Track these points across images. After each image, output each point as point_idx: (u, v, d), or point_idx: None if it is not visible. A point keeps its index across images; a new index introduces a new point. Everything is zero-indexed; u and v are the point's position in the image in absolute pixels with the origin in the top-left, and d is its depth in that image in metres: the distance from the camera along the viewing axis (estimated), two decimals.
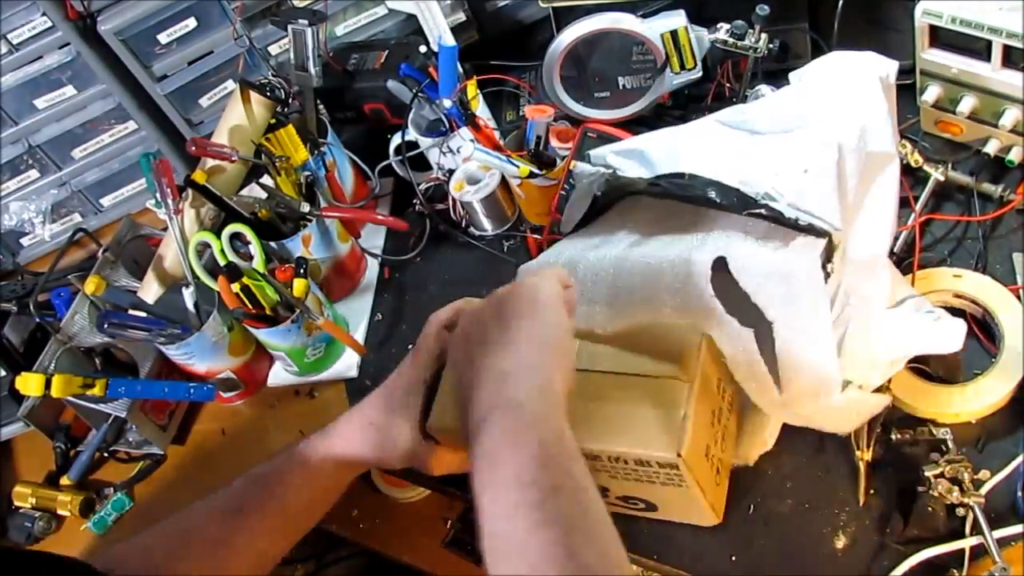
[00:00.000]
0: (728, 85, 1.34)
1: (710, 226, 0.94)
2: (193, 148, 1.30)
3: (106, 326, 1.22)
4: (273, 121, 1.38)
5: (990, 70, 1.05)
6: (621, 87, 1.35)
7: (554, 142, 1.33)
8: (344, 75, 1.50)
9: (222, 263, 1.25)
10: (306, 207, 1.30)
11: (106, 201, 1.74)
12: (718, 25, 1.26)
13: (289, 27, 1.39)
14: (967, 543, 0.89)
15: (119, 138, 1.65)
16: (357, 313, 1.39)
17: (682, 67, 1.29)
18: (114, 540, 1.27)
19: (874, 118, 0.94)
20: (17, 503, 1.33)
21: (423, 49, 1.46)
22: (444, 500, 1.17)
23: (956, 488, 0.91)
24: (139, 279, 1.39)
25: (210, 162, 1.34)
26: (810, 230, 0.87)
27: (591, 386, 0.92)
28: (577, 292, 0.93)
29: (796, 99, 1.02)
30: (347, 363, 1.33)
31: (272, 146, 1.33)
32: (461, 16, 1.55)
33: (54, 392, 1.16)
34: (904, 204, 1.09)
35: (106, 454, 1.37)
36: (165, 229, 1.36)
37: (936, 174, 1.12)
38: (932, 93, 1.13)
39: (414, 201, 1.41)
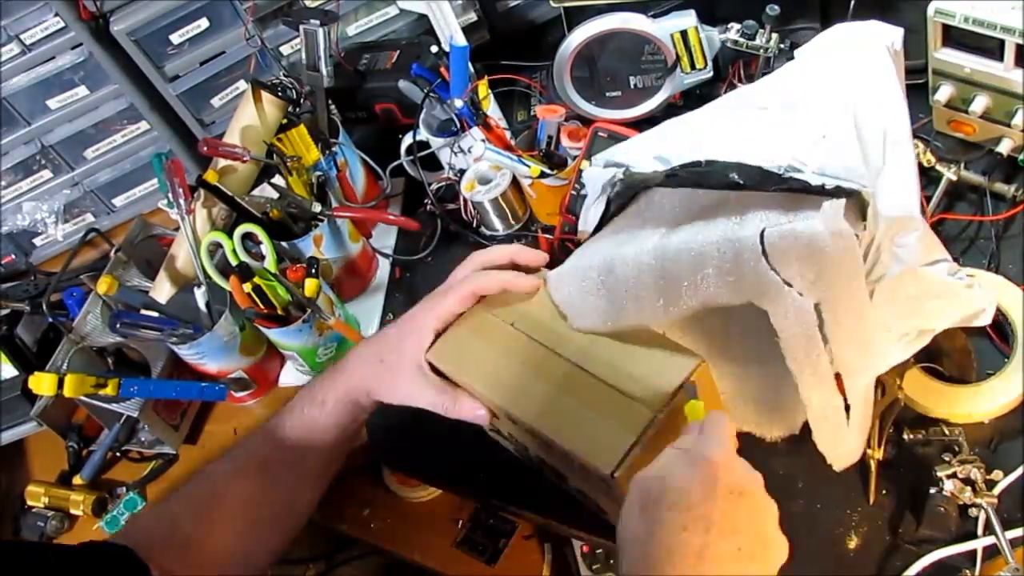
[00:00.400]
0: (739, 85, 1.34)
1: (739, 207, 0.93)
2: (205, 148, 1.30)
3: (118, 326, 1.22)
4: (285, 121, 1.38)
5: (1003, 69, 1.05)
6: (632, 87, 1.35)
7: (565, 142, 1.33)
8: (355, 75, 1.50)
9: (234, 263, 1.26)
10: (317, 207, 1.30)
11: (118, 201, 1.74)
12: (729, 25, 1.26)
13: (301, 27, 1.39)
14: (979, 544, 0.89)
15: (131, 138, 1.65)
16: (368, 313, 1.40)
17: (693, 67, 1.29)
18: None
19: (884, 84, 0.93)
20: (30, 502, 1.34)
21: (434, 49, 1.46)
22: (455, 500, 1.17)
23: (968, 488, 0.90)
24: (151, 279, 1.39)
25: (222, 162, 1.34)
26: (839, 193, 0.85)
27: (568, 378, 0.92)
28: (622, 290, 0.94)
29: (803, 72, 1.01)
30: None
31: (284, 146, 1.33)
32: (472, 16, 1.56)
33: (67, 392, 1.17)
34: None
35: (118, 454, 1.37)
36: (177, 229, 1.36)
37: (948, 174, 1.12)
38: (944, 93, 1.12)
39: (425, 201, 1.41)
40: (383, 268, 1.46)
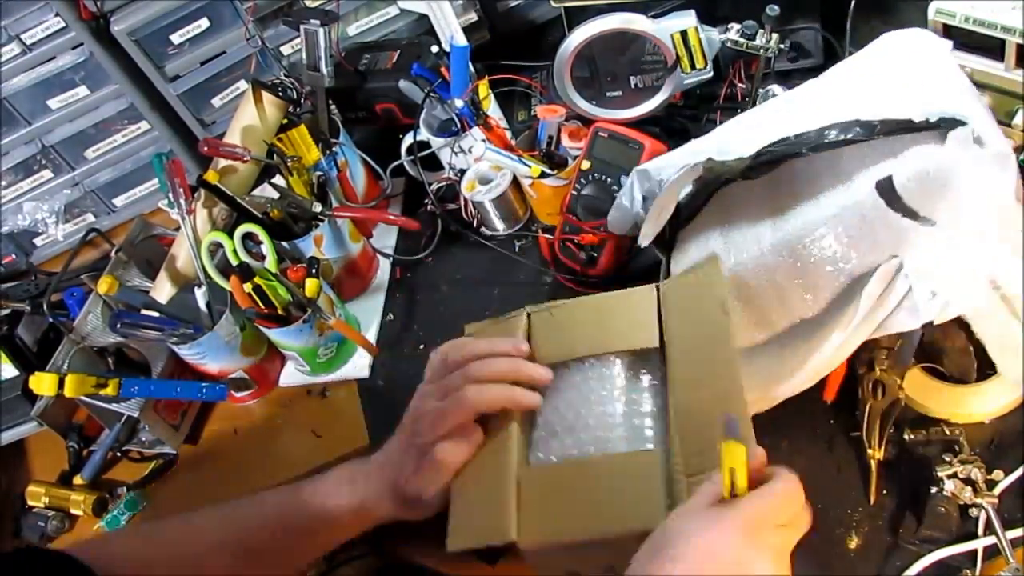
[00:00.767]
0: (740, 85, 1.34)
1: (836, 175, 0.92)
2: (205, 148, 1.30)
3: (119, 326, 1.22)
4: (285, 121, 1.38)
5: (1003, 69, 1.05)
6: (632, 87, 1.35)
7: (566, 142, 1.33)
8: (356, 75, 1.50)
9: (234, 263, 1.26)
10: (318, 207, 1.30)
11: (119, 201, 1.75)
12: (729, 25, 1.26)
13: (301, 27, 1.39)
14: (980, 544, 0.89)
15: (132, 138, 1.65)
16: (369, 313, 1.40)
17: (693, 67, 1.29)
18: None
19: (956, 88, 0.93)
20: (31, 502, 1.34)
21: (435, 49, 1.46)
22: None
23: (969, 488, 0.90)
24: (152, 279, 1.40)
25: (222, 162, 1.35)
26: (946, 124, 0.84)
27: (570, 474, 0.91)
28: (764, 297, 0.95)
29: (866, 71, 1.00)
30: (359, 363, 1.34)
31: (284, 146, 1.34)
32: (473, 16, 1.56)
33: (67, 392, 1.17)
34: None
35: (119, 454, 1.37)
36: (177, 229, 1.36)
37: None
38: None
39: (425, 201, 1.41)
40: (384, 268, 1.46)
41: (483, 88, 1.38)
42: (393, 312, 1.39)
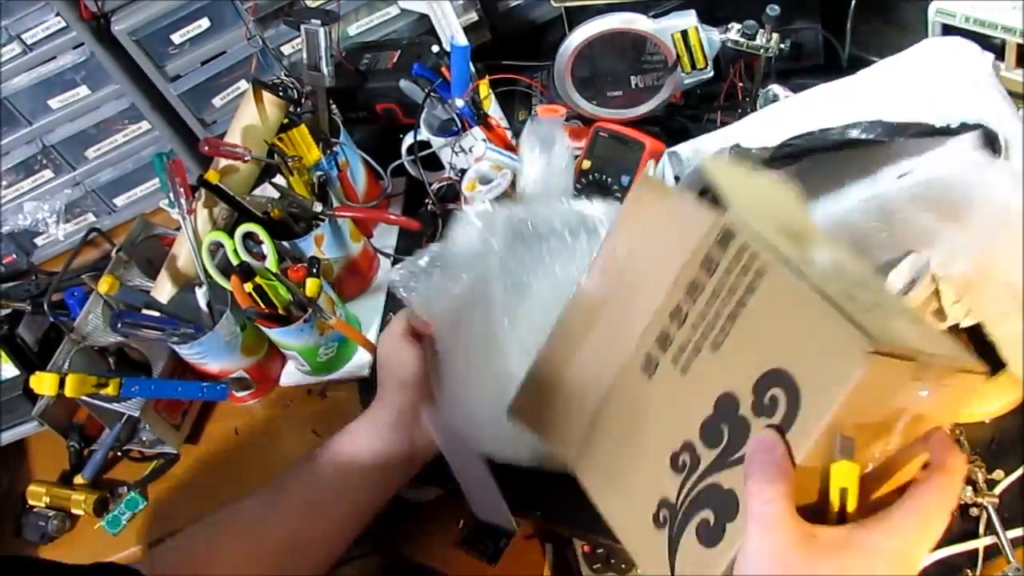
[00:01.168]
0: (741, 85, 1.34)
1: (860, 169, 0.92)
2: (206, 148, 1.30)
3: (120, 325, 1.22)
4: (286, 121, 1.38)
5: (1004, 70, 1.05)
6: (633, 86, 1.35)
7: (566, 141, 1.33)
8: (356, 75, 1.50)
9: (235, 263, 1.26)
10: (318, 207, 1.30)
11: (120, 201, 1.75)
12: (729, 25, 1.26)
13: (302, 27, 1.39)
14: (980, 543, 0.89)
15: (132, 138, 1.65)
16: (369, 312, 1.40)
17: (693, 67, 1.29)
18: (129, 539, 1.28)
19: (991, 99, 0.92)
20: (31, 502, 1.34)
21: (435, 49, 1.46)
22: (457, 501, 1.17)
23: (969, 488, 0.91)
24: (152, 279, 1.40)
25: (223, 162, 1.35)
26: (965, 129, 0.85)
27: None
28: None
29: (903, 74, 1.00)
30: (360, 362, 1.34)
31: (285, 146, 1.34)
32: (473, 16, 1.56)
33: (68, 391, 1.17)
34: None
35: (120, 453, 1.37)
36: (178, 229, 1.36)
37: None
38: None
39: (426, 201, 1.41)
40: (384, 268, 1.46)
41: (484, 88, 1.39)
42: (394, 312, 1.39)
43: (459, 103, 1.33)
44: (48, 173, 1.66)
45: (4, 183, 1.65)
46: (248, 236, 1.27)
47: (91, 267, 1.56)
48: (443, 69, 1.36)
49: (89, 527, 1.31)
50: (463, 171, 1.39)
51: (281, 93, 1.37)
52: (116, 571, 0.91)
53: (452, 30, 1.42)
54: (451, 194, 1.42)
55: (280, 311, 1.24)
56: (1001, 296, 0.87)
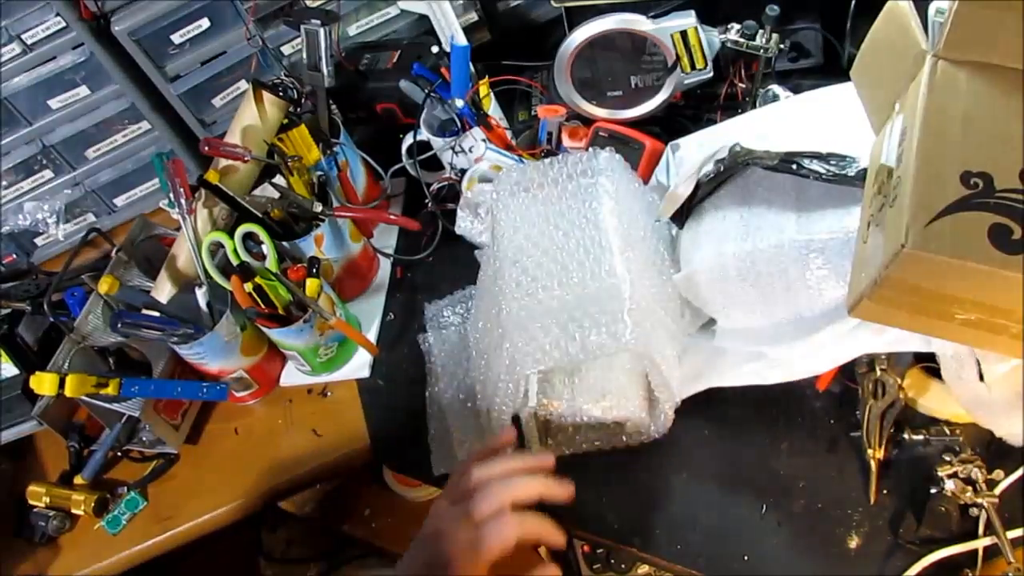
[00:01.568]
0: (740, 85, 1.34)
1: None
2: (206, 148, 1.30)
3: (120, 326, 1.22)
4: (286, 121, 1.38)
5: None
6: (633, 87, 1.35)
7: (566, 141, 1.33)
8: (356, 75, 1.50)
9: (235, 263, 1.26)
10: (318, 207, 1.30)
11: (119, 201, 1.75)
12: (729, 25, 1.26)
13: (302, 27, 1.39)
14: (981, 543, 0.89)
15: (132, 138, 1.66)
16: (369, 313, 1.40)
17: (693, 67, 1.29)
18: (129, 539, 1.28)
19: None
20: (31, 502, 1.34)
21: (435, 49, 1.46)
22: None
23: (969, 488, 0.91)
24: (152, 279, 1.39)
25: (223, 162, 1.35)
26: None
27: None
28: (771, 283, 0.96)
29: None
30: (359, 362, 1.34)
31: (285, 146, 1.34)
32: (473, 16, 1.56)
33: (68, 392, 1.17)
34: None
35: (119, 453, 1.37)
36: (178, 229, 1.36)
37: None
38: None
39: (425, 201, 1.41)
40: (384, 268, 1.46)
41: (483, 88, 1.39)
42: (393, 312, 1.39)
43: (459, 103, 1.33)
44: (48, 173, 1.66)
45: (4, 183, 1.65)
46: (248, 236, 1.27)
47: (91, 267, 1.56)
48: (443, 69, 1.36)
49: (89, 527, 1.31)
50: (463, 171, 1.39)
51: (281, 93, 1.37)
52: None
53: (452, 30, 1.42)
54: (451, 194, 1.41)
55: (280, 311, 1.24)
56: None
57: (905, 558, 0.91)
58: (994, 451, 0.95)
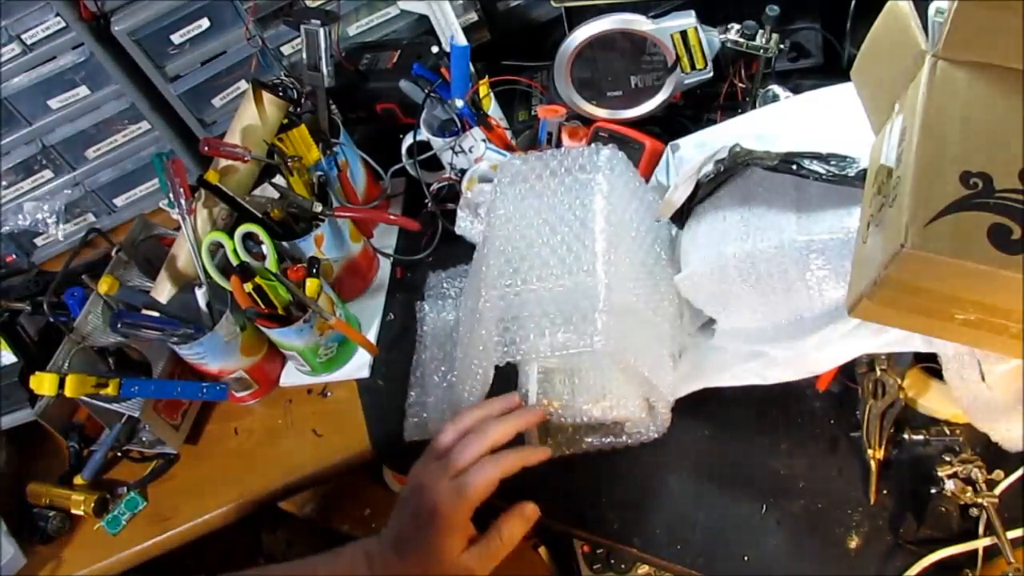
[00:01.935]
0: (740, 85, 1.34)
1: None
2: (206, 148, 1.30)
3: (119, 326, 1.22)
4: (285, 121, 1.38)
5: None
6: (632, 86, 1.35)
7: (566, 141, 1.34)
8: (356, 75, 1.50)
9: (235, 263, 1.26)
10: (318, 207, 1.30)
11: (119, 201, 1.75)
12: (729, 25, 1.26)
13: (302, 27, 1.39)
14: (980, 543, 0.89)
15: (132, 138, 1.66)
16: (369, 313, 1.40)
17: (693, 67, 1.29)
18: (129, 539, 1.28)
19: None
20: (32, 502, 1.34)
21: (435, 49, 1.46)
22: None
23: (969, 488, 0.91)
24: (152, 279, 1.39)
25: (223, 162, 1.35)
26: None
27: None
28: (771, 284, 0.96)
29: None
30: (359, 363, 1.34)
31: (284, 146, 1.34)
32: (473, 16, 1.56)
33: (68, 392, 1.17)
34: None
35: (119, 453, 1.37)
36: (178, 229, 1.36)
37: None
38: None
39: (425, 201, 1.41)
40: (384, 268, 1.46)
41: (483, 88, 1.39)
42: (393, 312, 1.39)
43: (459, 103, 1.33)
44: (48, 173, 1.66)
45: (4, 183, 1.65)
46: (248, 236, 1.27)
47: (91, 267, 1.56)
48: (443, 69, 1.36)
49: (89, 527, 1.31)
50: (463, 171, 1.39)
51: (281, 93, 1.37)
52: None
53: (452, 30, 1.42)
54: (452, 194, 1.41)
55: (280, 311, 1.24)
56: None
57: (905, 558, 0.91)
58: (994, 451, 0.95)
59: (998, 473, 0.91)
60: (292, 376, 1.36)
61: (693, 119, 1.38)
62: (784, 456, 1.02)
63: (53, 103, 1.57)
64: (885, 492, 0.97)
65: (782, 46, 1.24)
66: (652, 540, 1.02)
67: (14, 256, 1.73)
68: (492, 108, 1.41)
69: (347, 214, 1.35)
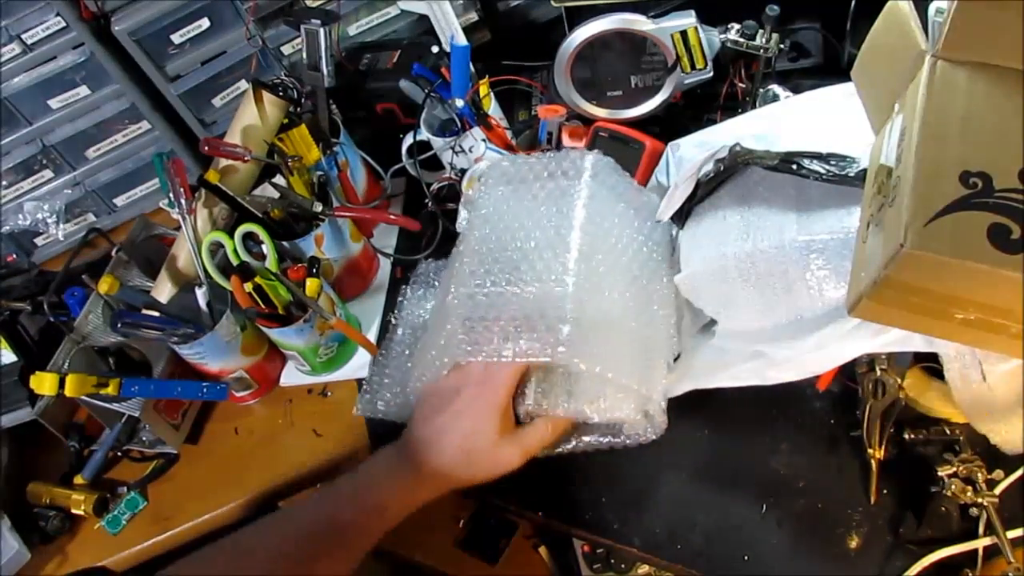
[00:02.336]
0: (740, 85, 1.34)
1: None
2: (206, 148, 1.30)
3: (120, 325, 1.22)
4: (286, 121, 1.38)
5: None
6: (633, 86, 1.35)
7: (566, 141, 1.33)
8: (356, 75, 1.50)
9: (235, 263, 1.26)
10: (318, 207, 1.30)
11: (120, 201, 1.75)
12: (729, 25, 1.26)
13: (302, 27, 1.39)
14: (981, 543, 0.89)
15: (133, 138, 1.66)
16: (369, 313, 1.40)
17: (693, 67, 1.29)
18: (129, 539, 1.28)
19: None
20: (32, 502, 1.34)
21: (435, 49, 1.46)
22: (456, 499, 1.17)
23: (970, 488, 0.91)
24: (152, 279, 1.39)
25: (223, 162, 1.35)
26: None
27: None
28: (772, 284, 0.97)
29: None
30: (359, 362, 1.34)
31: (285, 146, 1.34)
32: (473, 16, 1.56)
33: (68, 392, 1.17)
34: None
35: (120, 453, 1.37)
36: (178, 229, 1.36)
37: None
38: None
39: (425, 201, 1.41)
40: (384, 268, 1.46)
41: (483, 88, 1.39)
42: (394, 313, 1.39)
43: (459, 103, 1.33)
44: (48, 173, 1.66)
45: (4, 183, 1.65)
46: (248, 236, 1.27)
47: (91, 267, 1.56)
48: (443, 69, 1.36)
49: (89, 527, 1.31)
50: (463, 171, 1.39)
51: (281, 93, 1.37)
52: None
53: (452, 30, 1.42)
54: (452, 194, 1.41)
55: (280, 311, 1.24)
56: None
57: (905, 558, 0.91)
58: (994, 451, 0.95)
59: (998, 473, 0.92)
60: (292, 376, 1.36)
61: (693, 119, 1.38)
62: (784, 456, 1.02)
63: (53, 103, 1.57)
64: (885, 492, 0.97)
65: (782, 46, 1.24)
66: (652, 540, 1.02)
67: (14, 256, 1.73)
68: (492, 108, 1.41)
69: (347, 214, 1.35)
